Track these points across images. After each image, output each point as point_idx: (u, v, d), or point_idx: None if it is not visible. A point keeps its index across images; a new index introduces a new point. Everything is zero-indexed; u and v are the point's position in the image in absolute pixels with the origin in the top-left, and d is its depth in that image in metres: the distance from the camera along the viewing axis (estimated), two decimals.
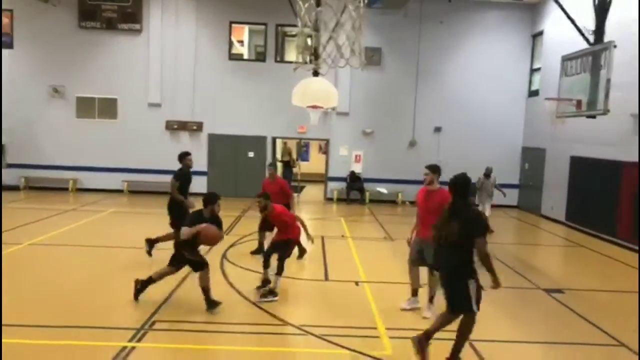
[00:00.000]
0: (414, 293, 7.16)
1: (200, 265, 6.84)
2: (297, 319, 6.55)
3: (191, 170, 9.78)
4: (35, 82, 17.75)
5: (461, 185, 5.29)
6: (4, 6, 17.35)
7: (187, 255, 6.84)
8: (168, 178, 17.83)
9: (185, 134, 18.18)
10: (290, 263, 9.94)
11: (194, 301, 7.27)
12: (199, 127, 18.13)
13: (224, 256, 9.67)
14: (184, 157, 9.66)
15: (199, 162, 18.08)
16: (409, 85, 18.23)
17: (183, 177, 9.51)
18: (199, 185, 17.97)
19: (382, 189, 18.14)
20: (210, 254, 9.62)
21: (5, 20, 17.79)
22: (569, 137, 14.55)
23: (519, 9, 17.85)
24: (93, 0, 17.54)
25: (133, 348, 5.50)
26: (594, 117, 11.32)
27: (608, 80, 10.49)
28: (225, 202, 9.46)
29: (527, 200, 17.74)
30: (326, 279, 8.61)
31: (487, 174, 13.37)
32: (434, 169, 6.79)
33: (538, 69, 17.55)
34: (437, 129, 18.28)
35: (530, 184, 17.51)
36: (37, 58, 17.86)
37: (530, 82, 18.19)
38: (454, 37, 18.08)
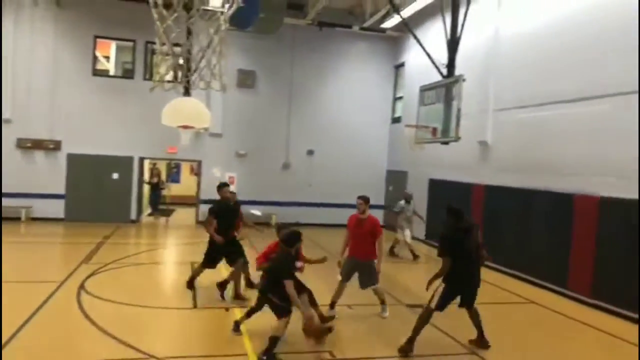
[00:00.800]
0: (332, 305, 7.98)
1: (284, 312, 6.25)
2: (163, 351, 6.22)
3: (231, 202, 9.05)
4: None
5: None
6: None
7: (274, 299, 6.27)
8: (18, 202, 16.45)
9: (40, 153, 16.63)
10: (156, 292, 9.48)
11: (45, 336, 6.61)
12: (57, 145, 16.70)
13: (81, 287, 8.91)
14: (221, 188, 8.87)
15: (57, 184, 16.68)
16: (282, 107, 18.57)
17: (220, 211, 8.63)
18: (55, 209, 16.58)
19: (256, 211, 18.10)
20: (66, 285, 8.85)
21: None
22: (428, 162, 15.79)
23: (383, 41, 19.14)
24: None
25: None
26: (447, 143, 12.41)
27: (459, 110, 11.59)
28: (86, 228, 8.84)
29: (392, 220, 18.80)
30: (195, 306, 8.31)
31: (408, 199, 13.41)
32: (367, 200, 7.89)
33: (401, 98, 18.88)
34: (310, 152, 18.78)
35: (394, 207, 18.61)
36: None
37: (393, 110, 19.50)
38: (325, 63, 18.83)
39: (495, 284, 10.71)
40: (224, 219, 8.66)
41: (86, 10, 16.70)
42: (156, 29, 7.03)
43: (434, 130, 12.33)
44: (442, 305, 6.58)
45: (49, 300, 8.10)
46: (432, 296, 6.60)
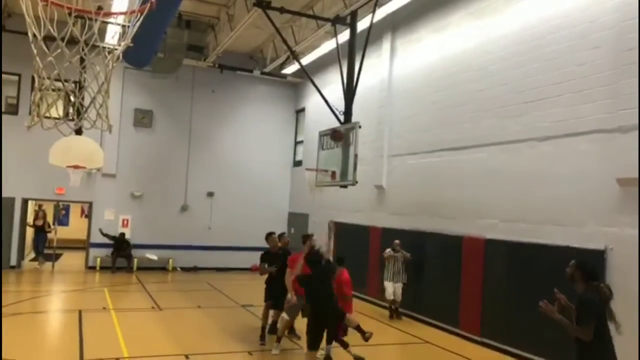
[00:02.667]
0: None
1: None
2: None
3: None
4: None
5: None
6: None
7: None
8: None
9: None
10: (37, 344, 8.71)
11: None
12: None
13: None
14: (267, 237, 9.62)
15: None
16: (181, 148, 18.21)
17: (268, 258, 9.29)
18: None
19: (152, 255, 17.34)
20: None
21: None
22: (328, 204, 16.19)
23: (284, 86, 19.63)
24: None
25: None
26: (345, 186, 12.88)
27: (355, 155, 12.12)
28: None
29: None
30: (81, 358, 7.73)
31: (396, 248, 11.56)
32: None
33: (301, 142, 19.36)
34: (210, 194, 18.48)
35: (295, 248, 18.76)
36: None
37: (295, 153, 19.90)
38: (225, 105, 18.84)
39: (390, 325, 11.08)
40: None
41: None
42: (34, 64, 6.73)
43: (333, 173, 12.75)
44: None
45: None
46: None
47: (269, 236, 9.66)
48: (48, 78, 7.55)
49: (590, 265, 5.02)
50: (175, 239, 17.58)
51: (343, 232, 15.50)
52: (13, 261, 16.09)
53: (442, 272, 11.13)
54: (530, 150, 9.23)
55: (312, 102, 18.14)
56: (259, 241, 19.43)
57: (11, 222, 16.03)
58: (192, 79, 18.08)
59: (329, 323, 6.86)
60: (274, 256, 9.24)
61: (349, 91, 12.91)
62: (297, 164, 19.38)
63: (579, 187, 8.18)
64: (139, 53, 12.28)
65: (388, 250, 11.68)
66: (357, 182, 12.03)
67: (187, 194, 18.19)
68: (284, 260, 8.95)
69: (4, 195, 15.81)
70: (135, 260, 17.01)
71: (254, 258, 18.32)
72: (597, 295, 4.71)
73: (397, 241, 11.63)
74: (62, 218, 22.09)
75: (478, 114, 10.57)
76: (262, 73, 17.93)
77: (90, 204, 17.27)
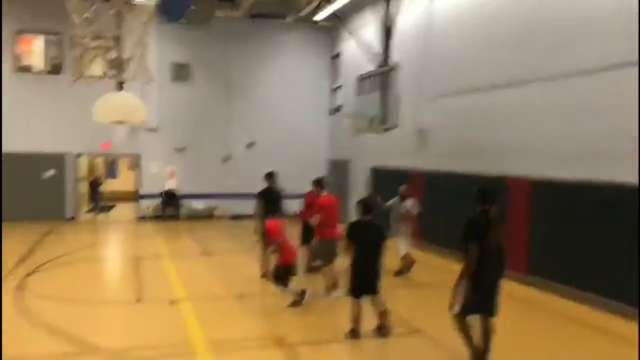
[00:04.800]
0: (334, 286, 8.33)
1: None
2: (109, 344, 6.20)
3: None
4: None
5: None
6: None
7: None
8: None
9: None
10: (99, 288, 9.33)
11: None
12: None
13: (19, 286, 8.63)
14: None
15: None
16: (220, 100, 18.41)
17: None
18: None
19: (199, 205, 17.97)
20: (7, 282, 8.57)
21: None
22: (368, 150, 16.17)
23: (318, 32, 19.27)
24: None
25: None
26: (386, 131, 12.80)
27: (395, 98, 11.99)
28: (21, 227, 8.57)
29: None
30: (139, 300, 8.25)
31: (403, 195, 10.26)
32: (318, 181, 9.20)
33: (339, 87, 19.18)
34: (250, 144, 18.75)
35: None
36: None
37: (332, 99, 19.77)
38: (260, 55, 18.76)
39: (434, 266, 11.23)
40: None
41: (7, 4, 15.83)
42: (72, 21, 6.87)
43: (372, 118, 12.69)
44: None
45: None
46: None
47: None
48: (85, 37, 7.71)
49: (488, 191, 5.73)
50: (220, 188, 18.06)
51: (383, 177, 15.50)
52: (70, 213, 17.00)
53: None
54: (580, 84, 8.84)
55: (348, 47, 17.79)
56: (300, 188, 19.83)
57: (65, 177, 16.81)
58: (226, 30, 17.98)
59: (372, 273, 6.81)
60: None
61: (387, 31, 12.62)
62: (335, 110, 19.28)
63: (630, 120, 7.85)
64: (172, 6, 12.29)
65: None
66: (397, 126, 11.95)
67: (228, 144, 18.51)
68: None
69: (56, 151, 16.58)
70: (183, 209, 17.68)
71: (295, 205, 18.87)
72: (485, 217, 5.52)
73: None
74: (111, 172, 23.02)
75: (526, 48, 10.11)
76: (296, 20, 17.63)
77: (137, 157, 17.86)
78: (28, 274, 9.51)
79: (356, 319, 6.59)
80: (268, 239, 8.09)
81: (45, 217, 16.14)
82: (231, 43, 18.28)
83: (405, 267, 10.05)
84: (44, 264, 10.41)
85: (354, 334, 6.56)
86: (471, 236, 5.41)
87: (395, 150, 14.67)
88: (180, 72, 17.72)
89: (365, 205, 6.79)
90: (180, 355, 5.98)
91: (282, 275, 7.76)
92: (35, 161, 16.37)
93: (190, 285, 9.13)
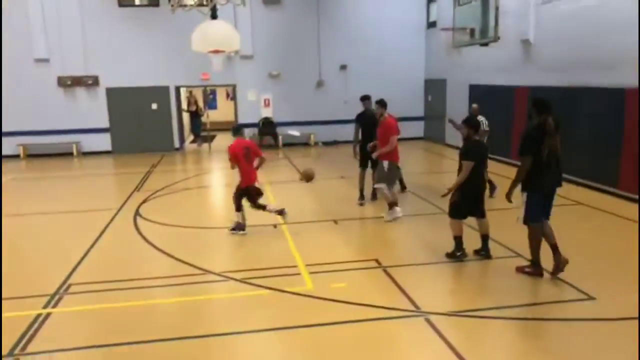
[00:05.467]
0: (391, 206, 8.40)
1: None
2: (217, 267, 6.61)
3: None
4: None
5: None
6: None
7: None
8: (68, 138, 17.19)
9: (81, 90, 16.98)
10: (206, 214, 9.92)
11: (111, 258, 7.13)
12: (95, 81, 16.97)
13: (137, 212, 9.41)
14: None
15: (101, 118, 17.15)
16: (311, 23, 18.00)
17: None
18: (103, 142, 17.19)
19: (294, 132, 18.12)
20: (122, 213, 9.37)
21: None
22: (467, 66, 15.23)
23: None
24: None
25: (48, 314, 5.33)
26: (486, 44, 11.90)
27: (497, 8, 11.00)
28: (133, 158, 9.20)
29: (433, 131, 18.59)
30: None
31: (473, 114, 9.41)
32: (383, 104, 8.71)
33: (434, 0, 17.94)
34: (343, 67, 18.37)
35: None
36: None
37: (428, 14, 18.60)
38: None
39: None
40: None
41: None
42: None
43: (472, 31, 11.80)
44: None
45: (109, 225, 8.63)
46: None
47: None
48: None
49: (543, 102, 5.77)
50: (314, 115, 18.10)
51: (485, 95, 14.61)
52: (176, 144, 18.02)
53: (599, 129, 10.13)
54: None
55: None
56: (396, 110, 19.32)
57: (169, 109, 17.68)
58: None
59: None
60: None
61: None
62: (431, 25, 18.18)
63: None
64: None
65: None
66: (499, 37, 11.05)
67: (321, 69, 18.28)
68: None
69: (159, 84, 17.35)
70: (280, 137, 18.03)
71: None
72: (539, 129, 5.63)
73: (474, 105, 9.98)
74: (210, 102, 23.82)
75: None
76: None
77: (234, 87, 18.26)
78: (143, 201, 10.30)
79: (460, 239, 6.59)
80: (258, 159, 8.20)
81: (155, 149, 17.25)
82: None
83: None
84: (156, 192, 11.20)
85: (461, 253, 6.58)
86: (523, 149, 5.70)
87: (496, 66, 13.67)
88: None
89: (474, 123, 6.62)
90: (285, 276, 6.25)
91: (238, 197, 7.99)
92: (140, 95, 17.28)
93: (289, 210, 9.38)
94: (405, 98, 18.14)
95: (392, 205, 8.43)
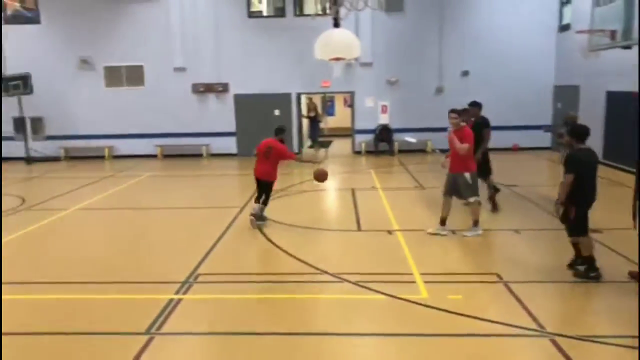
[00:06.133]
0: (442, 222, 8.09)
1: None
2: (333, 268, 6.74)
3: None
4: (64, 55, 18.03)
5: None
6: None
7: None
8: (199, 140, 18.60)
9: (212, 96, 18.32)
10: (322, 216, 10.16)
11: (235, 253, 7.59)
12: (225, 88, 18.21)
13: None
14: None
15: (229, 123, 18.33)
16: (432, 29, 17.73)
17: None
18: (229, 145, 18.36)
19: (411, 139, 17.91)
20: (245, 211, 9.92)
21: None
22: (604, 71, 14.00)
23: None
24: None
25: (180, 300, 5.81)
26: (629, 47, 10.87)
27: None
28: (255, 161, 9.73)
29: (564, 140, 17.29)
30: (359, 229, 8.76)
31: (567, 122, 9.57)
32: (459, 113, 8.08)
33: (569, 1, 16.77)
34: (465, 73, 17.84)
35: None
36: (63, 31, 18.08)
37: (560, 16, 17.43)
38: None
39: None
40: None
41: None
42: None
43: (613, 33, 10.84)
44: None
45: (233, 222, 9.19)
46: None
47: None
48: None
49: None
50: (432, 121, 17.74)
51: (623, 103, 13.35)
52: (295, 148, 18.67)
53: None
54: None
55: None
56: (522, 119, 18.46)
57: (290, 115, 18.39)
58: None
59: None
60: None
61: None
62: (564, 28, 17.00)
63: None
64: None
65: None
66: None
67: (441, 75, 17.92)
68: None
69: (282, 91, 18.12)
70: (396, 144, 17.94)
71: (516, 137, 17.59)
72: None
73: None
74: (329, 109, 24.41)
75: None
76: None
77: (352, 94, 18.53)
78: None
79: (593, 258, 6.11)
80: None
81: None
82: None
83: None
84: (277, 192, 11.69)
85: (595, 274, 6.07)
86: None
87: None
88: (393, 2, 17.41)
89: (583, 132, 6.12)
90: (400, 283, 6.20)
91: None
92: (264, 101, 18.18)
93: (404, 217, 9.32)
94: (532, 105, 17.19)
95: (477, 222, 8.06)
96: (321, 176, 8.96)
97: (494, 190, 9.61)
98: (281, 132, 9.24)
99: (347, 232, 8.58)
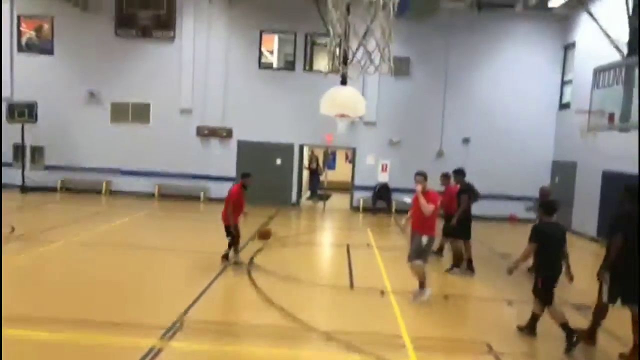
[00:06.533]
0: (422, 285, 7.93)
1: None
2: (322, 325, 6.62)
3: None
4: (73, 87, 18.33)
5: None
6: (45, 12, 18.15)
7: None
8: (199, 183, 18.62)
9: (215, 140, 18.50)
10: (315, 270, 10.06)
11: (223, 302, 7.46)
12: (229, 133, 18.43)
13: (251, 260, 9.82)
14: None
15: (229, 168, 18.42)
16: (437, 95, 18.21)
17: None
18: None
19: (409, 199, 18.01)
20: (243, 255, 9.82)
21: (45, 26, 18.55)
22: (601, 151, 14.29)
23: (550, 20, 17.65)
24: (129, 8, 18.10)
25: (161, 349, 5.65)
26: (627, 130, 11.14)
27: None
28: (251, 208, 9.77)
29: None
30: (351, 286, 8.66)
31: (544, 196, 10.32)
32: (424, 176, 8.38)
33: (569, 81, 17.33)
34: (466, 140, 18.18)
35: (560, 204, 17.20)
36: (75, 64, 18.46)
37: (561, 95, 17.96)
38: (483, 47, 18.01)
39: None
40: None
41: (254, 6, 18.03)
42: (328, 19, 7.50)
43: (611, 116, 11.15)
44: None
45: (226, 269, 9.08)
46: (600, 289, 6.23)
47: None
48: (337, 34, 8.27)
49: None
50: (431, 183, 17.71)
51: (618, 182, 13.51)
52: (293, 199, 18.72)
53: None
54: None
55: (585, 35, 15.93)
56: (519, 189, 18.56)
57: (292, 165, 18.55)
58: (449, 22, 17.61)
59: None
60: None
61: (636, 17, 10.93)
62: (564, 106, 17.49)
63: None
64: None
65: None
66: None
67: (442, 139, 18.24)
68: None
69: (285, 141, 18.35)
70: (394, 203, 18.01)
71: (513, 207, 17.69)
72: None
73: None
74: (330, 163, 24.63)
75: None
76: (526, 8, 16.40)
77: (354, 150, 18.77)
78: (258, 250, 10.74)
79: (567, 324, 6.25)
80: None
81: (274, 201, 18.05)
82: (453, 36, 17.85)
83: None
84: (270, 243, 11.62)
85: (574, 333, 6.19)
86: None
87: (634, 153, 12.67)
88: (400, 67, 17.96)
89: (551, 206, 6.71)
90: (389, 346, 6.08)
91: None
92: (267, 150, 18.39)
93: (398, 277, 9.23)
94: (528, 176, 17.37)
95: (423, 284, 7.93)
96: (266, 236, 10.38)
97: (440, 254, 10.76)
98: (245, 176, 9.83)
99: (339, 289, 8.47)
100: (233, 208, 9.28)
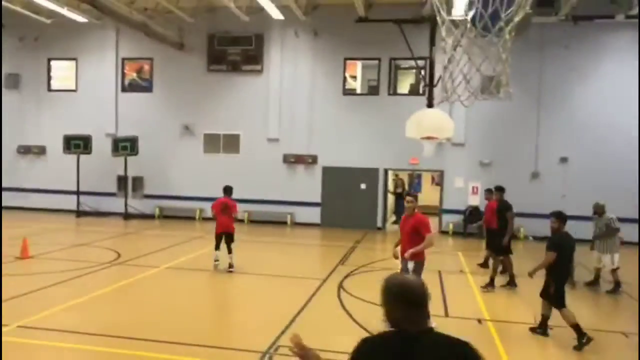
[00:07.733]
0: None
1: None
2: None
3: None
4: (169, 121, 19.53)
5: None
6: (146, 55, 19.61)
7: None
8: (284, 208, 18.96)
9: (301, 167, 18.82)
10: None
11: (313, 328, 7.40)
12: (314, 160, 18.67)
13: (340, 286, 9.72)
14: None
15: (314, 193, 18.60)
16: (530, 113, 17.35)
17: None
18: (313, 215, 18.55)
19: None
20: (327, 283, 9.77)
21: (146, 67, 20.06)
22: None
23: None
24: (220, 46, 19.09)
25: None
26: None
27: None
28: (338, 233, 9.70)
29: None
30: (446, 315, 8.28)
31: (597, 212, 10.47)
32: (415, 198, 7.78)
33: None
34: (563, 160, 17.10)
35: None
36: (172, 100, 19.70)
37: None
38: (580, 60, 16.99)
39: None
40: None
41: (338, 36, 18.34)
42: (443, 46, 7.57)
43: None
44: None
45: (316, 294, 9.05)
46: None
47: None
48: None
49: None
50: (526, 207, 16.91)
51: None
52: (379, 223, 18.49)
53: None
54: None
55: None
56: (623, 211, 17.12)
57: (376, 190, 18.40)
58: (541, 36, 16.81)
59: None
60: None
61: None
62: None
63: None
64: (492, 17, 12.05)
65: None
66: None
67: (537, 160, 17.29)
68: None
69: (369, 166, 18.27)
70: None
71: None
72: None
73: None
74: (415, 186, 24.16)
75: None
76: (627, 17, 15.31)
77: (441, 173, 18.27)
78: (347, 275, 10.63)
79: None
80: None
81: (359, 226, 17.93)
82: (546, 50, 17.04)
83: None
84: (359, 267, 11.49)
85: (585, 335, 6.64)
86: None
87: None
88: (490, 85, 17.36)
89: (566, 217, 7.31)
90: None
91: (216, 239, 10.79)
92: (352, 174, 18.39)
93: (495, 305, 8.73)
94: (634, 197, 15.99)
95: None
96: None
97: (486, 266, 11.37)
98: (226, 192, 10.91)
99: (433, 317, 8.09)
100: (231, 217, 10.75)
